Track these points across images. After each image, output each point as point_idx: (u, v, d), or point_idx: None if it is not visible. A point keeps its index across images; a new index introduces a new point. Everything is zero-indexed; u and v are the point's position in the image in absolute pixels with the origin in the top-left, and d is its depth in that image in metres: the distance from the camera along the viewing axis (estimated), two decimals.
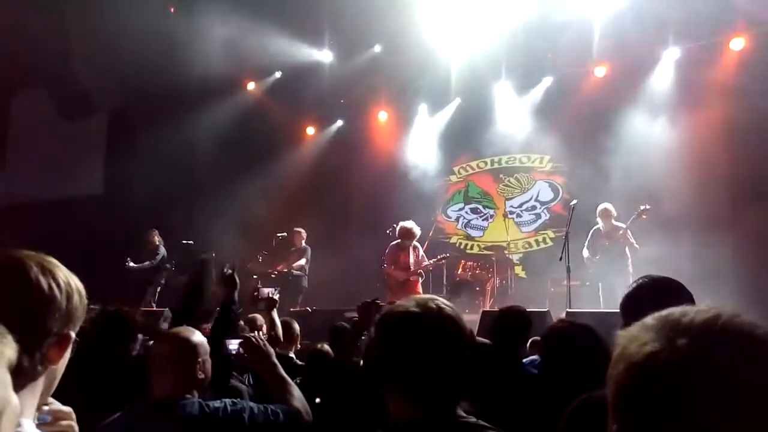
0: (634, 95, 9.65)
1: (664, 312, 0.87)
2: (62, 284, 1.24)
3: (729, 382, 0.78)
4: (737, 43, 9.06)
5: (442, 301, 1.53)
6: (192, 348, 2.40)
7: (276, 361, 2.69)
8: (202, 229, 10.51)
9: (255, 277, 9.48)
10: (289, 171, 11.65)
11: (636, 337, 0.85)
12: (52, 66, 9.24)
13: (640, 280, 1.81)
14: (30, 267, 1.22)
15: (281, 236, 10.26)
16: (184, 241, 10.96)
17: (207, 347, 2.48)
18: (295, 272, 9.82)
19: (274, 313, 4.95)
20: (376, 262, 9.26)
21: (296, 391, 2.56)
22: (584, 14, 9.62)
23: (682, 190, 8.55)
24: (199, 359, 2.40)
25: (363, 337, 3.24)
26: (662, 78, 9.61)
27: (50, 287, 1.21)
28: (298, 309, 8.62)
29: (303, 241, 10.07)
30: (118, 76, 9.73)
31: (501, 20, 9.98)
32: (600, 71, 10.12)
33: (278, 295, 5.72)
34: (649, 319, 0.87)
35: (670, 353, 0.80)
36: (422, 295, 1.56)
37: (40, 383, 1.21)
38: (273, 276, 9.65)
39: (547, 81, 10.67)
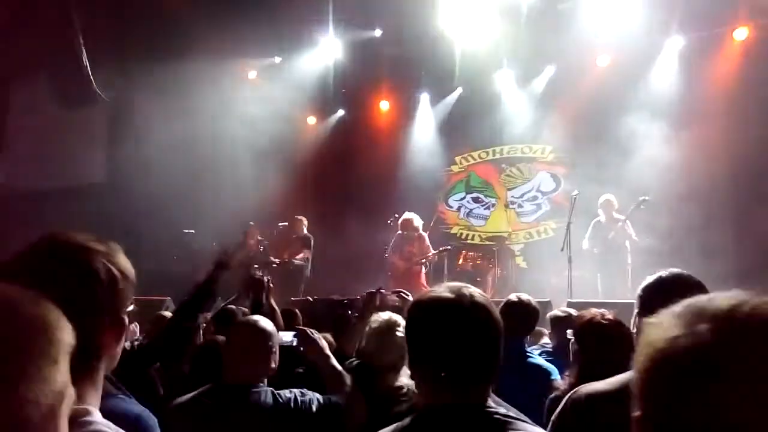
0: (637, 85, 9.60)
1: (692, 299, 0.86)
2: (120, 269, 1.24)
3: (749, 370, 0.76)
4: (741, 33, 9.01)
5: (475, 290, 1.53)
6: (268, 338, 2.51)
7: (330, 353, 2.74)
8: (203, 218, 10.50)
9: (256, 267, 9.45)
10: (291, 160, 11.62)
11: (660, 324, 0.85)
12: (53, 53, 9.19)
13: (660, 273, 1.81)
14: (95, 254, 1.21)
15: (282, 226, 10.24)
16: (185, 230, 10.96)
17: (278, 338, 2.59)
18: (296, 262, 9.81)
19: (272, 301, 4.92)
20: (378, 252, 9.26)
21: (350, 382, 2.63)
22: (587, 3, 9.57)
23: (683, 181, 8.52)
24: (274, 349, 2.52)
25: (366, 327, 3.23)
26: (665, 68, 9.57)
27: (110, 273, 1.21)
28: (300, 299, 8.60)
29: (305, 229, 10.04)
30: (120, 63, 9.70)
31: (504, 8, 9.92)
32: (603, 61, 10.06)
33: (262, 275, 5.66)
34: (677, 306, 0.86)
35: (691, 338, 0.79)
36: (455, 283, 1.55)
37: (101, 370, 1.21)
38: (274, 266, 9.63)
39: (550, 70, 10.62)
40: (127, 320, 1.25)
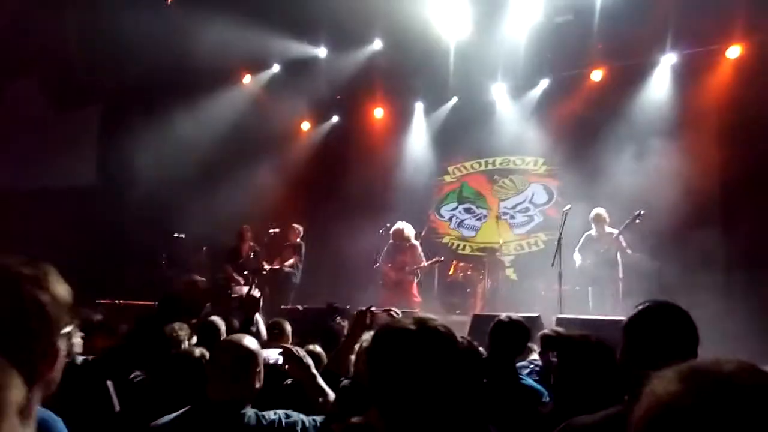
0: (630, 100, 9.65)
1: (697, 360, 0.92)
2: (53, 297, 1.20)
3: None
4: (734, 51, 9.08)
5: (440, 323, 1.54)
6: (252, 357, 2.47)
7: (315, 372, 2.73)
8: (195, 222, 10.47)
9: (246, 273, 9.42)
10: (284, 166, 11.62)
11: (666, 379, 0.90)
12: (46, 55, 9.16)
13: (645, 305, 1.79)
14: (23, 281, 1.17)
15: (274, 232, 10.21)
16: (176, 234, 10.93)
17: (263, 357, 2.55)
18: (286, 269, 9.77)
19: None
20: (368, 261, 9.24)
21: (333, 401, 2.63)
22: (582, 17, 9.62)
23: (675, 197, 8.55)
24: (258, 368, 2.47)
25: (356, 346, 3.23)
26: (659, 83, 9.62)
27: (38, 299, 1.17)
28: (289, 307, 8.58)
29: (298, 238, 10.01)
30: (114, 66, 9.66)
31: (499, 21, 9.98)
32: (596, 75, 10.12)
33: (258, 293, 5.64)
34: (683, 365, 0.91)
35: (692, 398, 0.84)
36: (422, 315, 1.56)
37: (33, 400, 1.17)
38: (264, 273, 9.60)
39: (544, 83, 10.66)
40: (61, 345, 1.22)
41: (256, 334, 4.73)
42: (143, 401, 3.09)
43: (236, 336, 2.64)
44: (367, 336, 2.88)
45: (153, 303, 7.95)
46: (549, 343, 3.73)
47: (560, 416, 1.83)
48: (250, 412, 2.38)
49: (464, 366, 1.53)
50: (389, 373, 1.47)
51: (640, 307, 1.79)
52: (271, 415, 2.40)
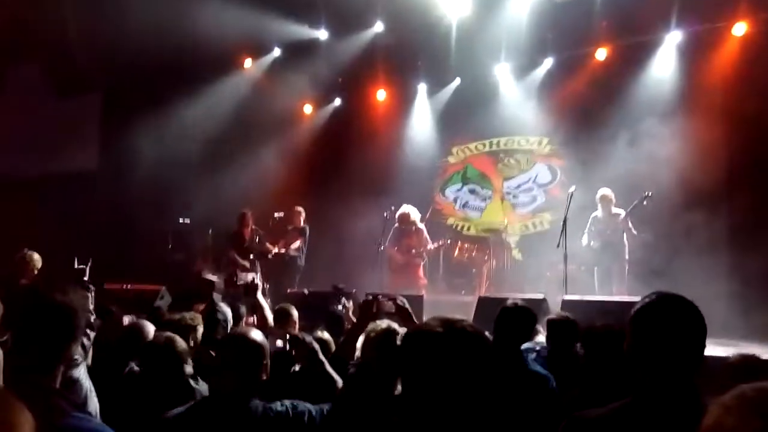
0: (635, 79, 9.58)
1: (761, 385, 0.82)
2: None
3: None
4: (740, 29, 8.98)
5: (467, 322, 1.53)
6: (259, 351, 2.47)
7: (323, 358, 2.74)
8: (199, 206, 10.49)
9: (252, 257, 9.44)
10: (286, 150, 11.59)
11: (732, 410, 0.81)
12: (47, 42, 9.12)
13: (652, 297, 1.77)
14: None
15: (278, 216, 10.20)
16: (180, 219, 10.95)
17: (269, 348, 2.55)
18: (291, 253, 9.79)
19: (260, 298, 4.89)
20: (373, 244, 9.26)
21: (340, 387, 2.66)
22: None
23: (681, 176, 8.53)
24: (265, 361, 2.47)
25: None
26: (664, 61, 9.53)
27: None
28: (295, 290, 8.62)
29: (302, 221, 10.01)
30: (115, 52, 9.62)
31: (501, 0, 9.89)
32: (601, 54, 10.02)
33: (258, 279, 5.64)
34: (748, 390, 0.82)
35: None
36: (448, 316, 1.55)
37: None
38: (270, 257, 9.62)
39: (548, 63, 10.57)
40: None
41: (262, 319, 4.78)
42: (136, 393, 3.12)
43: (243, 329, 2.65)
44: (373, 326, 2.89)
45: (160, 286, 8.03)
46: (556, 327, 3.76)
47: (586, 406, 1.83)
48: (257, 404, 2.39)
49: (493, 364, 1.52)
50: (419, 378, 1.47)
51: (647, 300, 1.77)
52: (278, 406, 2.41)
